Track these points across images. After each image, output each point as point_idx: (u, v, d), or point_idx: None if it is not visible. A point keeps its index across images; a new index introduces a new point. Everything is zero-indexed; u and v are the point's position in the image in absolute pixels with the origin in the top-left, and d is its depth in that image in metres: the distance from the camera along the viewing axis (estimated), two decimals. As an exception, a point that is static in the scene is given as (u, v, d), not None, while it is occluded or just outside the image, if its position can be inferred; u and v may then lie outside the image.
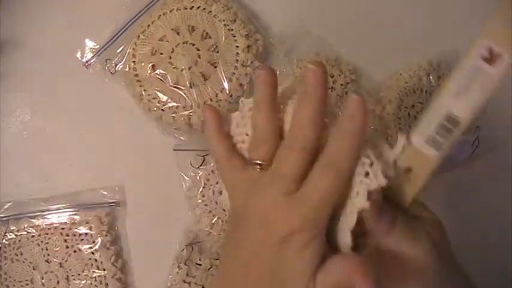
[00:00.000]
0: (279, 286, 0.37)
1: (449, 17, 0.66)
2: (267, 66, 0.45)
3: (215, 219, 0.59)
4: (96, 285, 0.60)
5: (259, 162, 0.40)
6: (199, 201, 0.60)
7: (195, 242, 0.61)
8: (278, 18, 0.65)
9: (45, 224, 0.60)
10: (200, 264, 0.61)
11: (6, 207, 0.61)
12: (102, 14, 0.64)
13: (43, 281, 0.59)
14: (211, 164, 0.60)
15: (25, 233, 0.60)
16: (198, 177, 0.61)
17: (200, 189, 0.60)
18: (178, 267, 0.60)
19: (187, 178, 0.61)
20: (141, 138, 0.64)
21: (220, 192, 0.59)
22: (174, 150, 0.62)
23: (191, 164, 0.61)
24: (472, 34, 0.65)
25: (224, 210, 0.59)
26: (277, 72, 0.62)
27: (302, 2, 0.66)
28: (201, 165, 0.61)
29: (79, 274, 0.60)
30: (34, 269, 0.60)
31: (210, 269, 0.60)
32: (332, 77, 0.62)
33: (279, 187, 0.38)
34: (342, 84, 0.62)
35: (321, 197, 0.37)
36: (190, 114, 0.59)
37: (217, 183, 0.60)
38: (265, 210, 0.38)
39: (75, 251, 0.60)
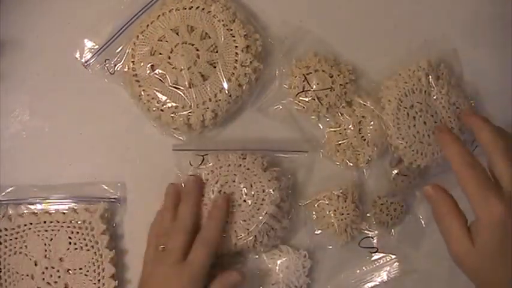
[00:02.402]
0: None
1: (449, 17, 0.66)
2: (195, 177, 0.60)
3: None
4: (91, 280, 0.60)
5: (162, 246, 0.57)
6: None
7: None
8: (277, 18, 0.65)
9: (44, 212, 0.61)
10: None
11: (8, 190, 0.62)
12: (101, 14, 0.64)
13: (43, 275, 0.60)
14: (211, 164, 0.60)
15: (22, 218, 0.60)
16: (198, 177, 0.61)
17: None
18: None
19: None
20: (139, 139, 0.64)
21: (220, 192, 0.59)
22: (173, 150, 0.62)
23: (190, 164, 0.61)
24: (471, 34, 0.65)
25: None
26: (277, 72, 0.62)
27: (301, 1, 0.66)
28: (200, 165, 0.61)
29: (75, 269, 0.60)
30: (35, 264, 0.60)
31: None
32: (331, 77, 0.62)
33: (172, 258, 0.55)
34: (341, 84, 0.62)
35: (199, 263, 0.55)
36: (189, 114, 0.59)
37: (216, 182, 0.60)
38: (164, 274, 0.55)
39: (75, 244, 0.60)
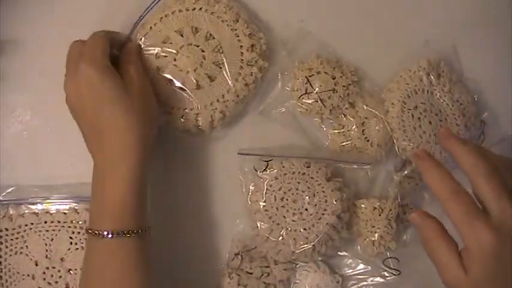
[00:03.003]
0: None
1: (449, 17, 0.67)
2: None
3: (275, 225, 0.59)
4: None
5: None
6: (261, 206, 0.60)
7: (244, 251, 0.61)
8: (278, 18, 0.65)
9: (45, 212, 0.60)
10: (251, 273, 0.60)
11: (9, 190, 0.61)
12: (102, 15, 0.63)
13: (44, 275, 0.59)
14: (275, 170, 0.60)
15: (23, 218, 0.60)
16: (261, 182, 0.60)
17: (263, 195, 0.60)
18: (229, 276, 0.60)
19: (249, 183, 0.61)
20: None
21: (282, 199, 0.59)
22: (238, 154, 0.61)
23: (254, 169, 0.61)
24: (469, 31, 0.66)
25: (285, 217, 0.59)
26: (279, 75, 0.63)
27: (302, 2, 0.66)
28: (264, 170, 0.61)
29: (76, 269, 0.59)
30: (36, 264, 0.59)
31: (262, 277, 0.60)
32: (334, 79, 0.62)
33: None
34: (343, 86, 0.62)
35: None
36: (198, 115, 0.59)
37: (279, 189, 0.59)
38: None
39: (76, 244, 0.60)
